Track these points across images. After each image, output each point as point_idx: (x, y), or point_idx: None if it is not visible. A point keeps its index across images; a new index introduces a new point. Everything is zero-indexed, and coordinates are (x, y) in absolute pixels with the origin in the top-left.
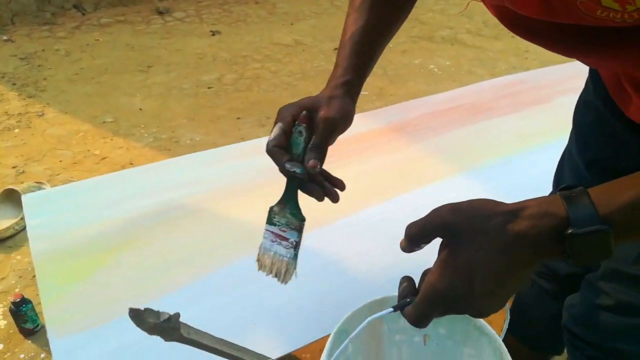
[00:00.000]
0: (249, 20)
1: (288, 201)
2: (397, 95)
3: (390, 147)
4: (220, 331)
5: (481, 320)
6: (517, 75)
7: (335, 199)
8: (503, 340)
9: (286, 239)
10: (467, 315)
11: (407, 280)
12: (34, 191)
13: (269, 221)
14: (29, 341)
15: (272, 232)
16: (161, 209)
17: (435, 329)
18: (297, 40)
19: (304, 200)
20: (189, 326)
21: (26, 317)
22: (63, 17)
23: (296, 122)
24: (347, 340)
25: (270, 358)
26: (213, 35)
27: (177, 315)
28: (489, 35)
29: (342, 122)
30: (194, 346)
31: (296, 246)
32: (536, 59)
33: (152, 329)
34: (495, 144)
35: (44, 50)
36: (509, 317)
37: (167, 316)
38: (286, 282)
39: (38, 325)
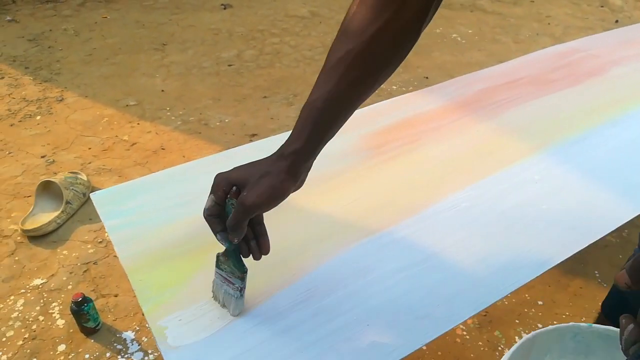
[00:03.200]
0: None
1: (230, 256)
2: (424, 67)
3: (459, 127)
4: (335, 334)
5: None
6: (566, 45)
7: (256, 256)
8: None
9: (232, 284)
10: None
11: (631, 320)
12: (71, 182)
13: (217, 265)
14: (92, 340)
15: (221, 275)
16: None
17: (584, 359)
18: (312, 12)
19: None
20: None
21: (88, 316)
22: None
23: (228, 196)
24: None
25: None
26: (225, 9)
27: None
28: (507, 1)
29: (263, 206)
30: None
31: (241, 290)
32: (559, 24)
33: None
34: (564, 120)
35: (51, 30)
36: None
37: None
38: (235, 315)
39: (99, 323)
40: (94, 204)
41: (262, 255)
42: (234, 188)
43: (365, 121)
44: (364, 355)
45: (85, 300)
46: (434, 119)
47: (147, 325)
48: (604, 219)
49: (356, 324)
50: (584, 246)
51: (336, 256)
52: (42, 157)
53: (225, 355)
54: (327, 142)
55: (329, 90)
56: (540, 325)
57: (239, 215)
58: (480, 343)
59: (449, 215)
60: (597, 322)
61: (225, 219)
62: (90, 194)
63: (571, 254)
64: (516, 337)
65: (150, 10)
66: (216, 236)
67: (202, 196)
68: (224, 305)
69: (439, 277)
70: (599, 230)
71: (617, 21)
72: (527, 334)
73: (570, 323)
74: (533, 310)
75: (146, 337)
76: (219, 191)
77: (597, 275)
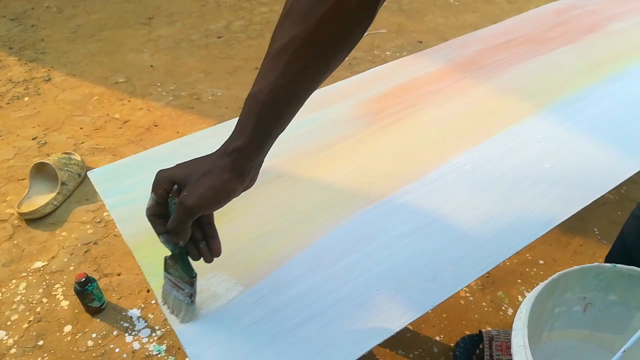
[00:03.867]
0: None
1: (177, 259)
2: (417, 31)
3: (457, 89)
4: (345, 301)
5: None
6: (561, 2)
7: (207, 259)
8: None
9: (182, 289)
10: None
11: None
12: (65, 163)
13: (165, 269)
14: (98, 320)
15: (170, 280)
16: None
17: (603, 296)
18: None
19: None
20: None
21: (92, 296)
22: None
23: (170, 195)
24: (620, 352)
25: None
26: None
27: None
28: None
29: (204, 207)
30: None
31: (192, 295)
32: None
33: None
34: (563, 78)
35: (33, 8)
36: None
37: None
38: (185, 322)
39: (104, 302)
40: (92, 182)
41: (215, 257)
42: (175, 186)
43: (362, 87)
44: (375, 320)
45: (89, 280)
46: (431, 83)
47: (153, 302)
48: (606, 175)
49: (365, 290)
50: (587, 204)
51: (341, 224)
52: (34, 139)
53: (235, 327)
54: (275, 136)
55: (273, 81)
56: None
57: (180, 217)
58: (484, 304)
59: (452, 179)
60: None
61: (168, 218)
62: (88, 172)
63: (574, 212)
64: (519, 297)
65: None
66: (159, 237)
67: None
68: (172, 312)
69: (445, 240)
70: (601, 187)
71: None
72: (529, 292)
73: (595, 263)
74: (535, 269)
75: (152, 314)
76: (159, 189)
77: (597, 232)
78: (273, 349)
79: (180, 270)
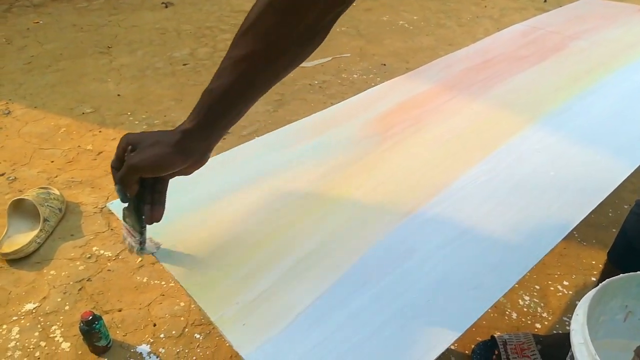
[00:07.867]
0: None
1: (131, 211)
2: (379, 55)
3: (453, 107)
4: (400, 314)
5: None
6: (524, 24)
7: (147, 221)
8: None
9: (134, 237)
10: None
11: None
12: (45, 198)
13: (123, 218)
14: (105, 359)
15: (125, 227)
16: (271, 199)
17: None
18: None
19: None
20: None
21: (100, 335)
22: None
23: (125, 155)
24: None
25: None
26: (166, 7)
27: None
28: None
29: (144, 170)
30: None
31: (141, 243)
32: (495, 6)
33: None
34: (545, 93)
35: None
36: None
37: None
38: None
39: (110, 341)
40: (117, 215)
41: (154, 222)
42: (129, 147)
43: (363, 107)
44: (432, 331)
45: (95, 318)
46: (427, 102)
47: (162, 335)
48: (603, 180)
49: (417, 302)
50: (594, 206)
51: (377, 242)
52: (2, 175)
53: (297, 351)
54: (223, 129)
55: (229, 83)
56: (537, 287)
57: (123, 172)
58: (489, 310)
59: (471, 190)
60: (604, 272)
61: None
62: (108, 204)
63: (586, 215)
64: (519, 301)
65: (85, 12)
66: (115, 187)
67: (224, 194)
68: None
69: (480, 248)
70: (603, 190)
71: (545, 0)
72: (527, 296)
73: (636, 272)
74: (528, 273)
75: (163, 348)
76: (118, 148)
77: (576, 235)
78: None
79: (133, 220)
